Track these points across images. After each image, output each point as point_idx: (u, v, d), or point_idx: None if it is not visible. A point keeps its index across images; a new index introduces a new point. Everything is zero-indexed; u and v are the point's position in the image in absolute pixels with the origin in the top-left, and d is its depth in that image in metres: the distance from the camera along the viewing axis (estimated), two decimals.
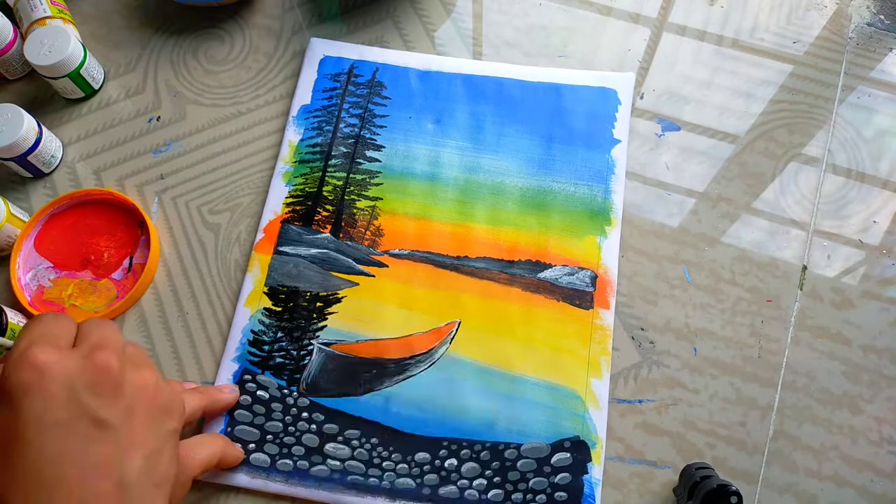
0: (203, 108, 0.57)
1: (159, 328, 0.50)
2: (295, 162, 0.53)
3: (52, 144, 0.54)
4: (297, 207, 0.52)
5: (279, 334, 0.48)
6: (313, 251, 0.51)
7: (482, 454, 0.45)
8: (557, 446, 0.45)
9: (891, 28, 0.58)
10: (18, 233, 0.51)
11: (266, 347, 0.48)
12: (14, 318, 0.48)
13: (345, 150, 0.54)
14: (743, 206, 0.52)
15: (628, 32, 0.58)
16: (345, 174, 0.53)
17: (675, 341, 0.49)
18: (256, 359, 0.48)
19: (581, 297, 0.49)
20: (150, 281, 0.51)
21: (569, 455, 0.45)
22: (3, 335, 0.47)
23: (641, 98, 0.56)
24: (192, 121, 0.56)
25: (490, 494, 0.44)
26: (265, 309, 0.49)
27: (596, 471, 0.44)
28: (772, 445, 0.46)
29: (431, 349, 0.48)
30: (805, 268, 0.50)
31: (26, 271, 0.51)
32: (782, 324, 0.49)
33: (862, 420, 0.46)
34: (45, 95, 0.58)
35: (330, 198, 0.52)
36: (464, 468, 0.45)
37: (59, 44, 0.53)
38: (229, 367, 0.48)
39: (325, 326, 0.49)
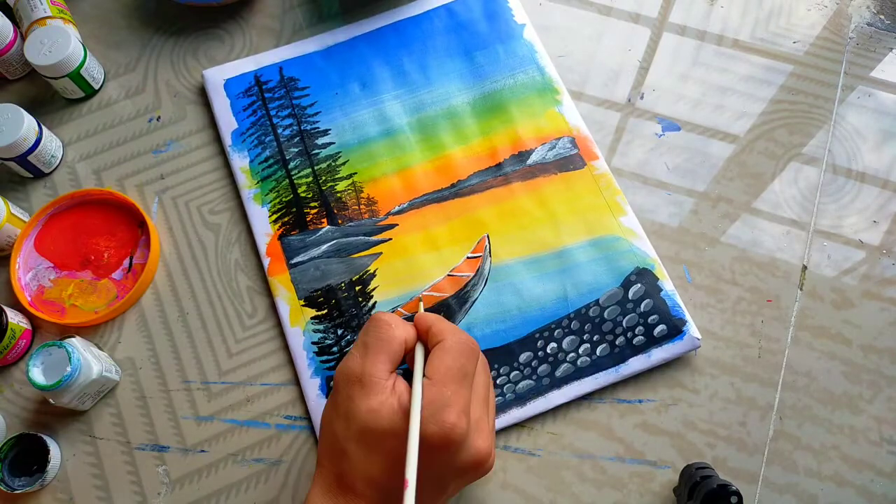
0: (203, 108, 0.57)
1: (159, 328, 0.50)
2: (257, 183, 0.53)
3: (52, 144, 0.54)
4: (285, 219, 0.52)
5: (339, 331, 0.49)
6: (323, 248, 0.51)
7: (572, 325, 0.48)
8: (627, 283, 0.49)
9: (891, 28, 0.58)
10: (18, 233, 0.51)
11: (335, 349, 0.48)
12: (14, 318, 0.48)
13: (296, 150, 0.54)
14: (743, 206, 0.52)
15: (628, 32, 0.58)
16: (309, 169, 0.53)
17: None
18: (332, 362, 0.48)
19: (572, 161, 0.52)
20: (151, 281, 0.51)
21: (639, 285, 0.49)
22: (4, 335, 0.47)
23: (641, 98, 0.56)
24: (193, 121, 0.56)
25: (598, 352, 0.47)
26: (312, 318, 0.49)
27: (667, 284, 0.49)
28: (772, 445, 0.46)
29: (478, 269, 0.49)
30: (805, 268, 0.50)
31: (26, 271, 0.51)
32: (782, 324, 0.49)
33: (862, 420, 0.46)
34: (45, 95, 0.57)
35: (309, 196, 0.52)
36: (564, 344, 0.48)
37: (59, 44, 0.53)
38: (312, 384, 0.48)
39: (376, 302, 0.49)
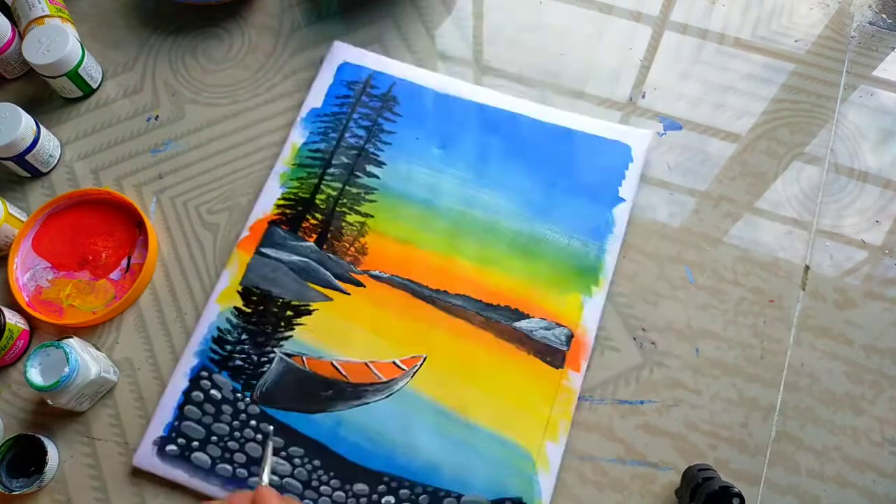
0: (201, 107, 0.56)
1: (157, 328, 0.50)
2: (294, 164, 0.53)
3: (50, 144, 0.54)
4: (287, 211, 0.51)
5: (244, 336, 0.48)
6: (294, 258, 0.50)
7: (421, 497, 0.44)
8: (498, 503, 0.44)
9: (893, 27, 0.58)
10: (16, 233, 0.51)
11: (228, 347, 0.48)
12: (12, 319, 0.48)
13: (346, 161, 0.53)
14: (745, 205, 0.52)
15: (630, 31, 0.58)
16: (341, 185, 0.52)
17: (677, 342, 0.48)
18: (217, 357, 0.47)
19: (553, 355, 0.47)
20: (149, 281, 0.51)
21: None
22: (1, 336, 0.46)
23: (643, 97, 0.56)
24: (191, 120, 0.56)
25: None
26: (235, 308, 0.49)
27: None
28: (774, 446, 0.46)
29: (392, 380, 0.47)
30: (807, 268, 0.50)
31: (24, 271, 0.51)
32: (785, 324, 0.49)
33: (864, 420, 0.46)
34: (43, 94, 0.57)
35: (322, 207, 0.52)
36: None
37: (57, 43, 0.52)
38: (188, 362, 0.47)
39: (291, 337, 0.48)
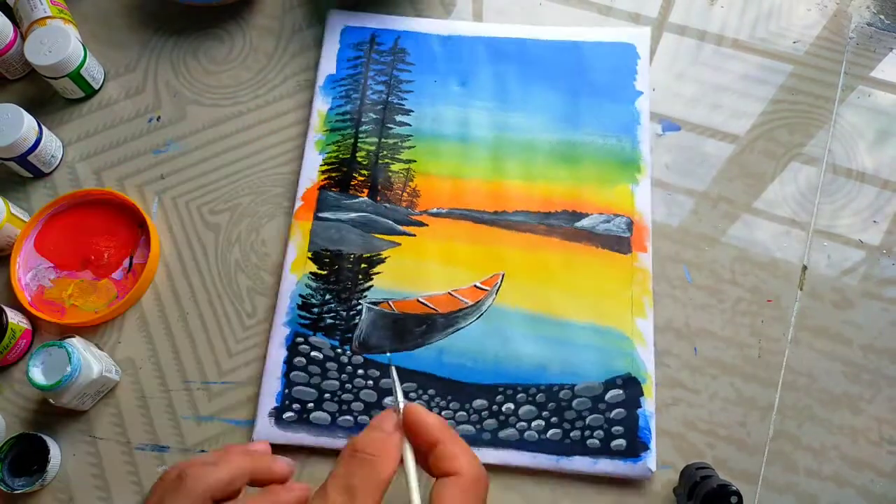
0: (203, 108, 0.57)
1: (159, 328, 0.50)
2: (326, 130, 0.54)
3: (52, 144, 0.54)
4: (333, 174, 0.53)
5: (327, 296, 0.49)
6: (353, 215, 0.51)
7: (538, 396, 0.46)
8: (610, 384, 0.46)
9: (891, 28, 0.58)
10: (18, 233, 0.51)
11: (315, 310, 0.49)
12: (14, 318, 0.48)
13: (374, 117, 0.54)
14: (743, 206, 0.52)
15: (629, 31, 0.58)
16: (376, 139, 0.54)
17: (676, 341, 0.49)
18: (307, 321, 0.49)
19: (619, 243, 0.50)
20: (151, 281, 0.51)
21: (621, 391, 0.46)
22: (4, 335, 0.47)
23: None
24: (192, 121, 0.56)
25: (549, 433, 0.45)
26: (311, 273, 0.50)
27: (648, 404, 0.46)
28: (772, 445, 0.46)
29: (478, 301, 0.49)
30: (805, 268, 0.50)
31: (26, 271, 0.51)
32: (782, 324, 0.49)
33: (862, 420, 0.46)
34: (45, 95, 0.57)
35: (364, 163, 0.53)
36: (521, 411, 0.46)
37: (59, 44, 0.53)
38: (281, 332, 0.48)
39: (372, 286, 0.49)
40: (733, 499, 0.40)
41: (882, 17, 0.59)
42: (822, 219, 0.52)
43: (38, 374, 0.44)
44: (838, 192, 0.53)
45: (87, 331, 0.50)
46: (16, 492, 0.44)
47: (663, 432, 0.46)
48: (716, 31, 0.58)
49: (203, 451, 0.47)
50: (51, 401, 0.45)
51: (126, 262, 0.52)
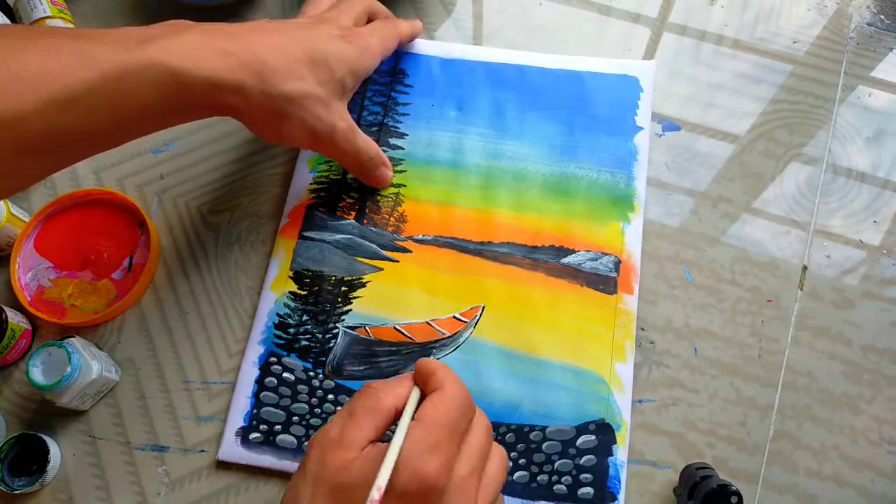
0: None
1: (160, 328, 0.50)
2: None
3: None
4: (322, 194, 0.52)
5: (304, 317, 0.49)
6: (338, 237, 0.51)
7: (507, 436, 0.45)
8: (582, 429, 0.45)
9: (891, 28, 0.58)
10: (18, 233, 0.51)
11: (291, 330, 0.49)
12: (14, 318, 0.48)
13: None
14: (743, 206, 0.52)
15: (628, 32, 0.58)
16: None
17: (676, 341, 0.49)
18: (282, 341, 0.48)
19: (604, 283, 0.49)
20: (150, 281, 0.51)
21: (594, 437, 0.45)
22: (3, 335, 0.47)
23: None
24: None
25: (515, 476, 0.44)
26: (290, 293, 0.50)
27: (621, 453, 0.45)
28: (772, 445, 0.46)
29: (455, 333, 0.48)
30: (805, 268, 0.50)
31: (26, 271, 0.51)
32: (782, 324, 0.49)
33: (862, 420, 0.46)
34: None
35: (354, 185, 0.53)
36: None
37: None
38: (255, 350, 0.48)
39: (350, 310, 0.49)
40: (733, 499, 0.40)
41: (882, 17, 0.59)
42: (822, 219, 0.52)
43: (37, 374, 0.44)
44: (838, 192, 0.53)
45: (87, 331, 0.50)
46: (15, 492, 0.45)
47: (663, 432, 0.46)
48: (716, 32, 0.58)
49: (203, 451, 0.47)
50: (51, 400, 0.45)
51: (126, 262, 0.52)
